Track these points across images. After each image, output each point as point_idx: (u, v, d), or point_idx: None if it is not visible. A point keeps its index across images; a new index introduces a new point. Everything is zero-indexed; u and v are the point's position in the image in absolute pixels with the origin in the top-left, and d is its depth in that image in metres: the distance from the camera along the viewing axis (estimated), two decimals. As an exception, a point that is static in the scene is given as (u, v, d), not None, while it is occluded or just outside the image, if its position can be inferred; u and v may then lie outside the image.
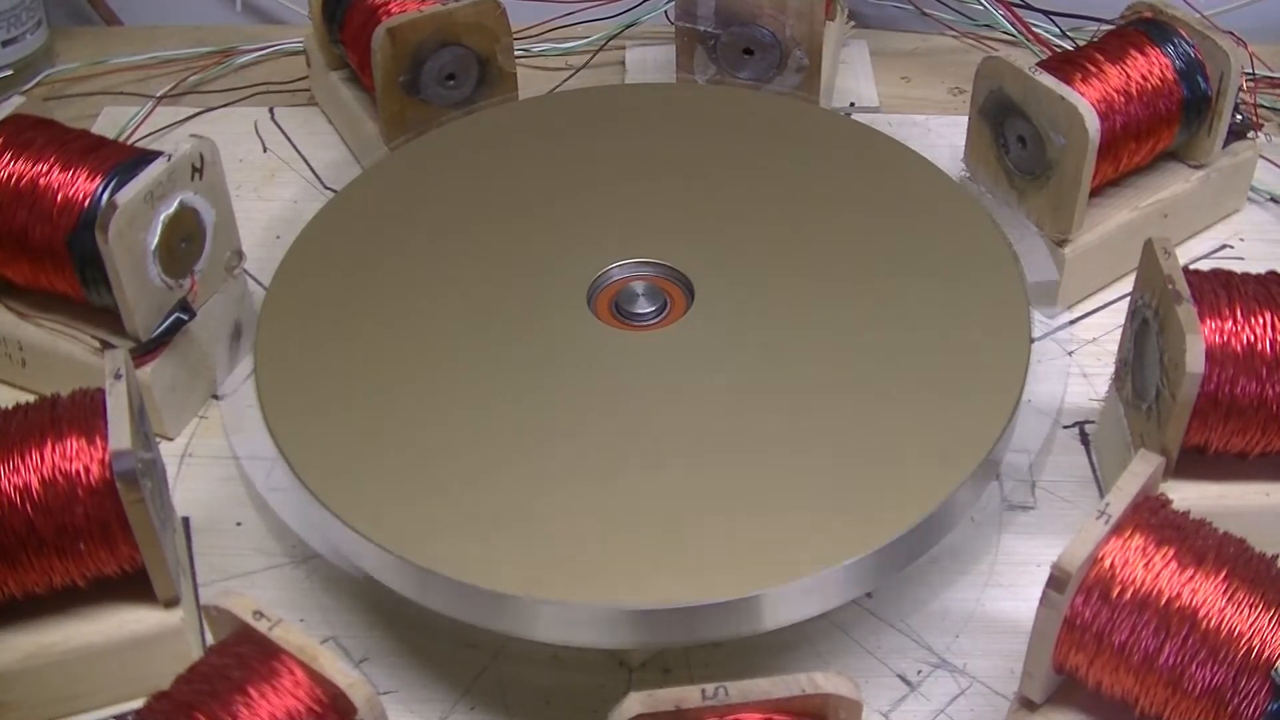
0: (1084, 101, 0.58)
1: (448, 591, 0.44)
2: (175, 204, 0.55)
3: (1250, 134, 0.67)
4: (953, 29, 0.84)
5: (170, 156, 0.55)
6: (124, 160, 0.55)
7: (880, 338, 0.52)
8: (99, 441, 0.45)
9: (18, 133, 0.56)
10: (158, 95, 0.79)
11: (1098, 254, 0.63)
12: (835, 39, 0.77)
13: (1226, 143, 0.65)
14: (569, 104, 0.68)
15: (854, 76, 0.80)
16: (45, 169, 0.55)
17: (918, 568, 0.52)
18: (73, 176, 0.55)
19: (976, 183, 0.65)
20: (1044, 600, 0.41)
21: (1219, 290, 0.49)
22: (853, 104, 0.78)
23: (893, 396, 0.49)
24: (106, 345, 0.56)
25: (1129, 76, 0.61)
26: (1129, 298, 0.53)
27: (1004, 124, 0.62)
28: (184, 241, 0.56)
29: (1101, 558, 0.41)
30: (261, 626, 0.39)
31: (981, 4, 0.80)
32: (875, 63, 0.81)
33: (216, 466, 0.57)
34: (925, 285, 0.54)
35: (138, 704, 0.39)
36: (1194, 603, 0.40)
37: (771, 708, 0.36)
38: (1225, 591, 0.40)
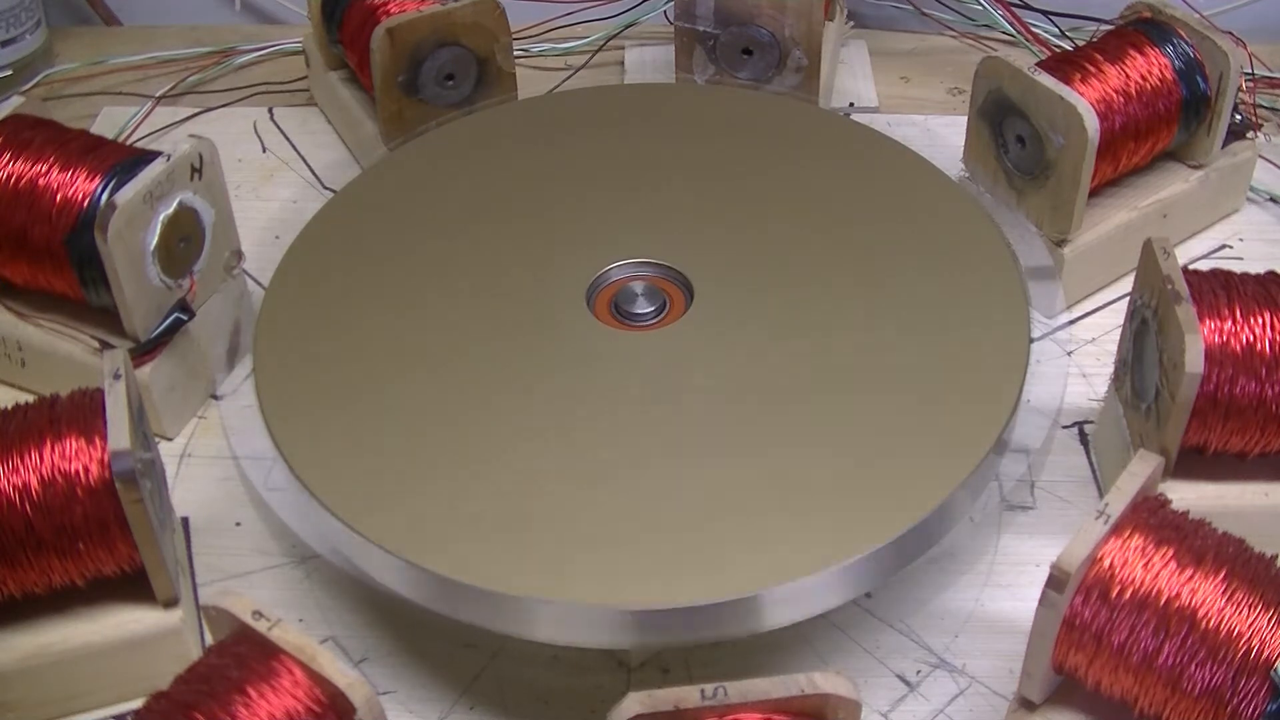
0: (1083, 101, 0.58)
1: (447, 592, 0.44)
2: (174, 204, 0.55)
3: (1249, 134, 0.67)
4: (951, 29, 0.84)
5: (169, 156, 0.55)
6: (123, 160, 0.55)
7: (880, 338, 0.52)
8: (98, 441, 0.45)
9: (16, 133, 0.56)
10: (156, 95, 0.79)
11: (1097, 254, 0.63)
12: (834, 39, 0.77)
13: (1225, 143, 0.65)
14: (568, 104, 0.68)
15: (853, 76, 0.80)
16: (44, 169, 0.55)
17: (917, 568, 0.52)
18: (72, 177, 0.55)
19: (975, 183, 0.65)
20: (1043, 600, 0.41)
21: (1218, 290, 0.49)
22: (851, 104, 0.78)
23: (892, 396, 0.49)
24: (105, 345, 0.56)
25: (1128, 77, 0.61)
26: (1128, 298, 0.53)
27: (1003, 124, 0.62)
28: (183, 241, 0.56)
29: (1100, 558, 0.41)
30: (260, 626, 0.39)
31: (980, 4, 0.80)
32: (874, 63, 0.81)
33: (215, 466, 0.57)
34: (924, 285, 0.54)
35: (136, 704, 0.39)
36: (1193, 603, 0.40)
37: (770, 708, 0.36)
38: (1224, 592, 0.40)
